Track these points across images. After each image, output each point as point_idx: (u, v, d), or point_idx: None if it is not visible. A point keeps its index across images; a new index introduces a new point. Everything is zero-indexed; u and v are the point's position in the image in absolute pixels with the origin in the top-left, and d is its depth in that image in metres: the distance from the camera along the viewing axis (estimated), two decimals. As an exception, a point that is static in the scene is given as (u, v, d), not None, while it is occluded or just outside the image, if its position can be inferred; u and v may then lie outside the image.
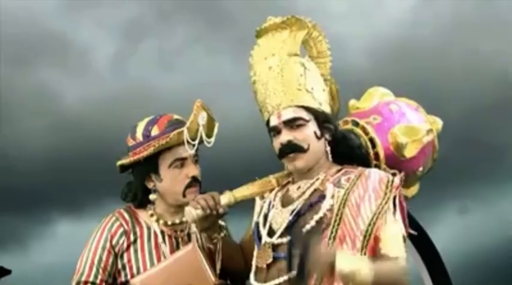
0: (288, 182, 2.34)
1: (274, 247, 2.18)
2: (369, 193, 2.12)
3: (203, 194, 2.35)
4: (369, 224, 2.07)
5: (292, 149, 2.20)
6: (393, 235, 2.08)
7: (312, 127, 2.21)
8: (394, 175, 2.19)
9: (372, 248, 2.05)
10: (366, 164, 2.31)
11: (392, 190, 2.11)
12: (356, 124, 2.45)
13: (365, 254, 2.03)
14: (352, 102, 2.61)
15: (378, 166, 2.36)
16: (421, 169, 2.44)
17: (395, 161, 2.37)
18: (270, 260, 2.17)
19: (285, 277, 2.11)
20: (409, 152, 2.38)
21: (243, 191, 2.35)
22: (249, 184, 2.38)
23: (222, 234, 2.41)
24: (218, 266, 2.41)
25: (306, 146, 2.19)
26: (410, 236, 2.30)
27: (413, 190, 2.51)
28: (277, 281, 2.13)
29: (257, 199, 2.39)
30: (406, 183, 2.36)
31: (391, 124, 2.41)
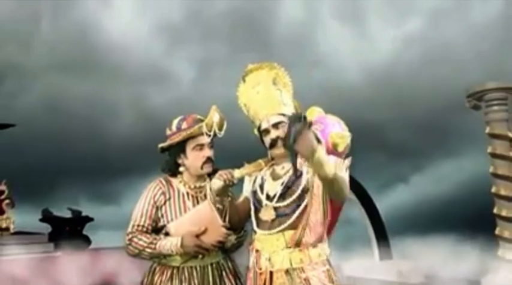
0: (272, 164, 3.01)
1: (275, 208, 2.88)
2: None
3: (217, 170, 2.98)
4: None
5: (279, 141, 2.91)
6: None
7: None
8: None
9: None
10: None
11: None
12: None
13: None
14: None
15: None
16: (343, 156, 3.11)
17: (332, 152, 3.04)
18: (273, 217, 2.87)
19: (285, 225, 2.83)
20: (340, 148, 3.04)
21: (246, 170, 2.98)
22: (248, 165, 3.01)
23: (229, 198, 3.01)
24: (227, 219, 3.04)
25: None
26: (359, 199, 3.12)
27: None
28: (281, 227, 2.83)
29: (246, 177, 3.05)
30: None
31: (329, 130, 3.05)
